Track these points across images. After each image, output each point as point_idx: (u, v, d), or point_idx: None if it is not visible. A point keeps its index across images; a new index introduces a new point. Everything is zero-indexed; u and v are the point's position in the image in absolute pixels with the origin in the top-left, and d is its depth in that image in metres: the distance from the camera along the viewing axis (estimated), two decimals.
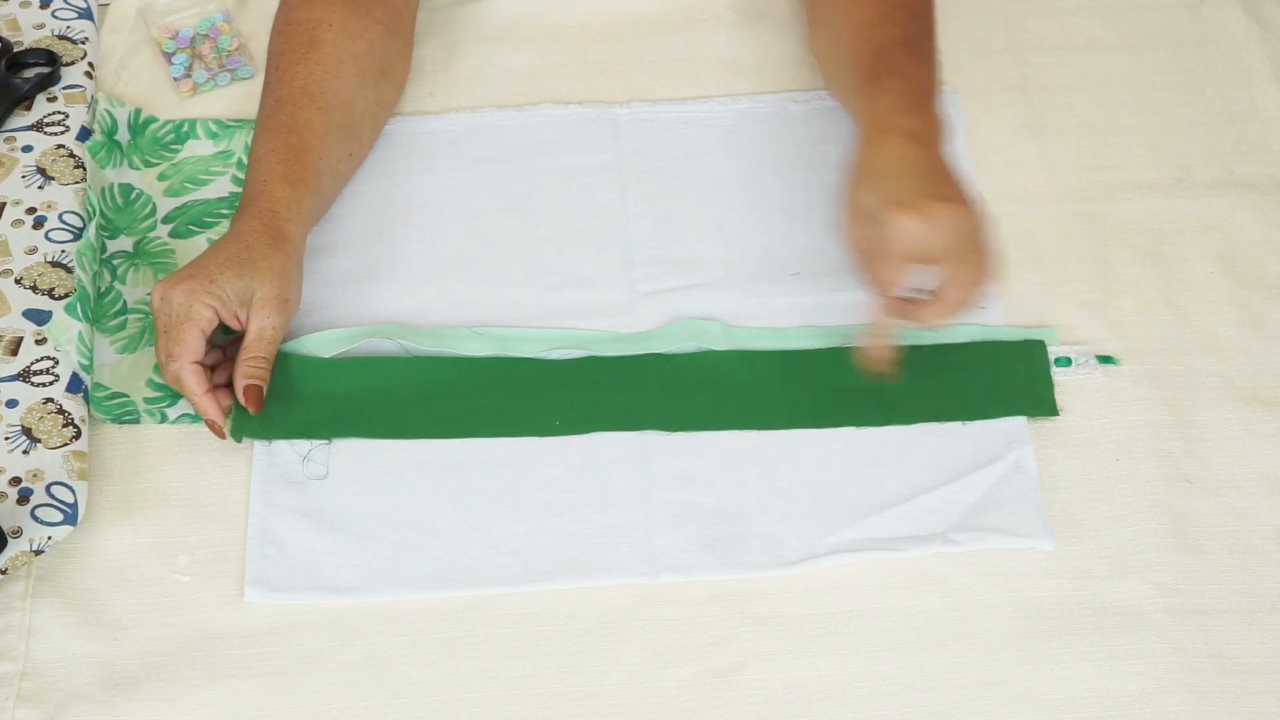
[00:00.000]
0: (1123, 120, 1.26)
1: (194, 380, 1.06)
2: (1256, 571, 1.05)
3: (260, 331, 1.07)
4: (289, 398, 1.11)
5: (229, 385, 1.08)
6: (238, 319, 1.07)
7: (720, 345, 1.13)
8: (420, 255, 1.19)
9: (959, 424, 1.10)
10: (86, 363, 1.10)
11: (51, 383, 1.10)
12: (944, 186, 1.05)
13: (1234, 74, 1.28)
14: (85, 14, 1.31)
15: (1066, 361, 1.13)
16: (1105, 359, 1.13)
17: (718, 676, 1.01)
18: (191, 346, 1.05)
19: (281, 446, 1.09)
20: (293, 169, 1.12)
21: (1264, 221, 1.20)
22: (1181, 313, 1.16)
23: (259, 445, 1.09)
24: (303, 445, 1.09)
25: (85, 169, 1.21)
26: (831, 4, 1.18)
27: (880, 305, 1.06)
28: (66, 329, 1.10)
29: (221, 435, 1.08)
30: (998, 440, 1.10)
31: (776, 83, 1.28)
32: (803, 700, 1.00)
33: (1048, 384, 1.12)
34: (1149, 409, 1.11)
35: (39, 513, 1.05)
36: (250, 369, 1.07)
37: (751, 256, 1.18)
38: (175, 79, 1.28)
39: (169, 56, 1.29)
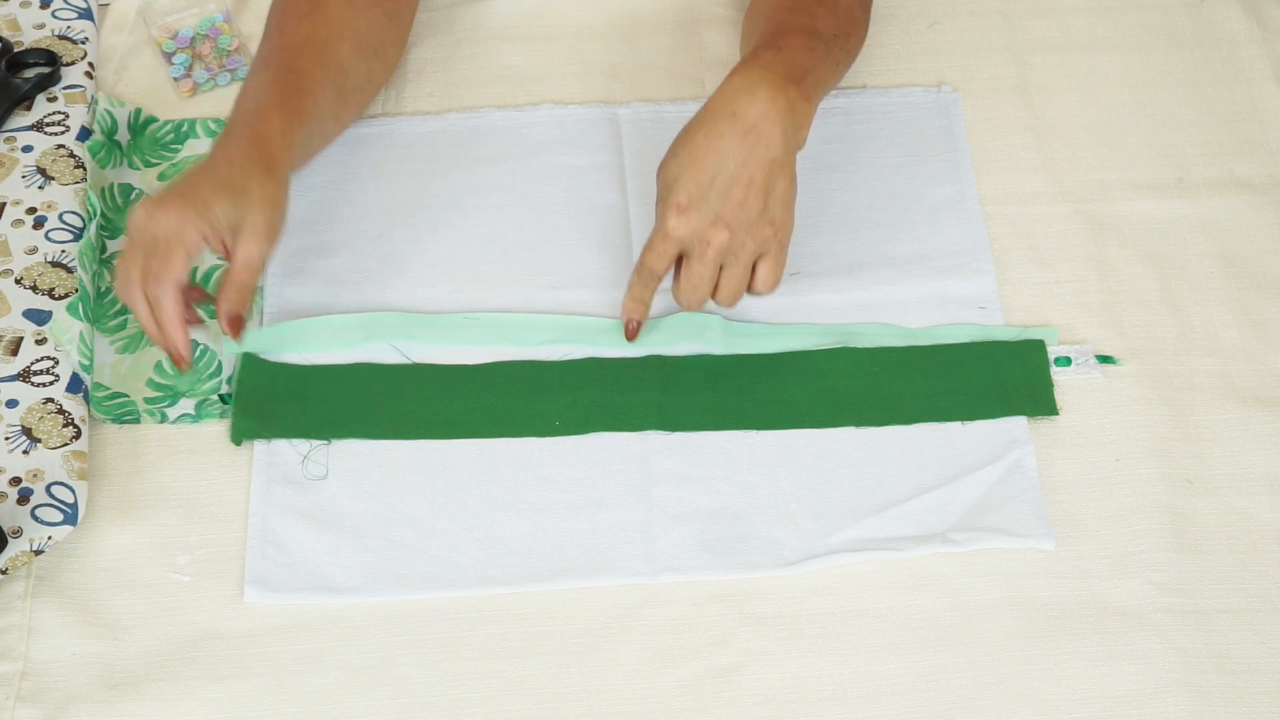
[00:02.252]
0: (1123, 120, 1.26)
1: (173, 305, 1.05)
2: (1256, 571, 1.05)
3: (248, 260, 1.06)
4: (289, 398, 1.11)
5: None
6: (224, 245, 1.06)
7: (718, 343, 1.13)
8: (420, 255, 1.19)
9: (959, 424, 1.10)
10: (87, 362, 1.10)
11: (51, 383, 1.10)
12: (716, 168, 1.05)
13: (1234, 74, 1.28)
14: (85, 14, 1.31)
15: (1066, 361, 1.13)
16: (1105, 359, 1.13)
17: (718, 676, 1.01)
18: (177, 270, 1.04)
19: (281, 446, 1.09)
20: (290, 103, 1.11)
21: (1264, 221, 1.20)
22: (1181, 313, 1.16)
23: (259, 445, 1.10)
24: (303, 445, 1.09)
25: (85, 169, 1.21)
26: None
27: (649, 266, 1.08)
28: (68, 329, 1.10)
29: (183, 366, 1.07)
30: (998, 440, 1.10)
31: None
32: (803, 700, 1.00)
33: (1047, 384, 1.12)
34: (1149, 409, 1.11)
35: (39, 513, 1.05)
36: (237, 297, 1.07)
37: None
38: (175, 79, 1.28)
39: (169, 56, 1.29)
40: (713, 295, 1.09)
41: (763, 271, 1.08)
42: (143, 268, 1.04)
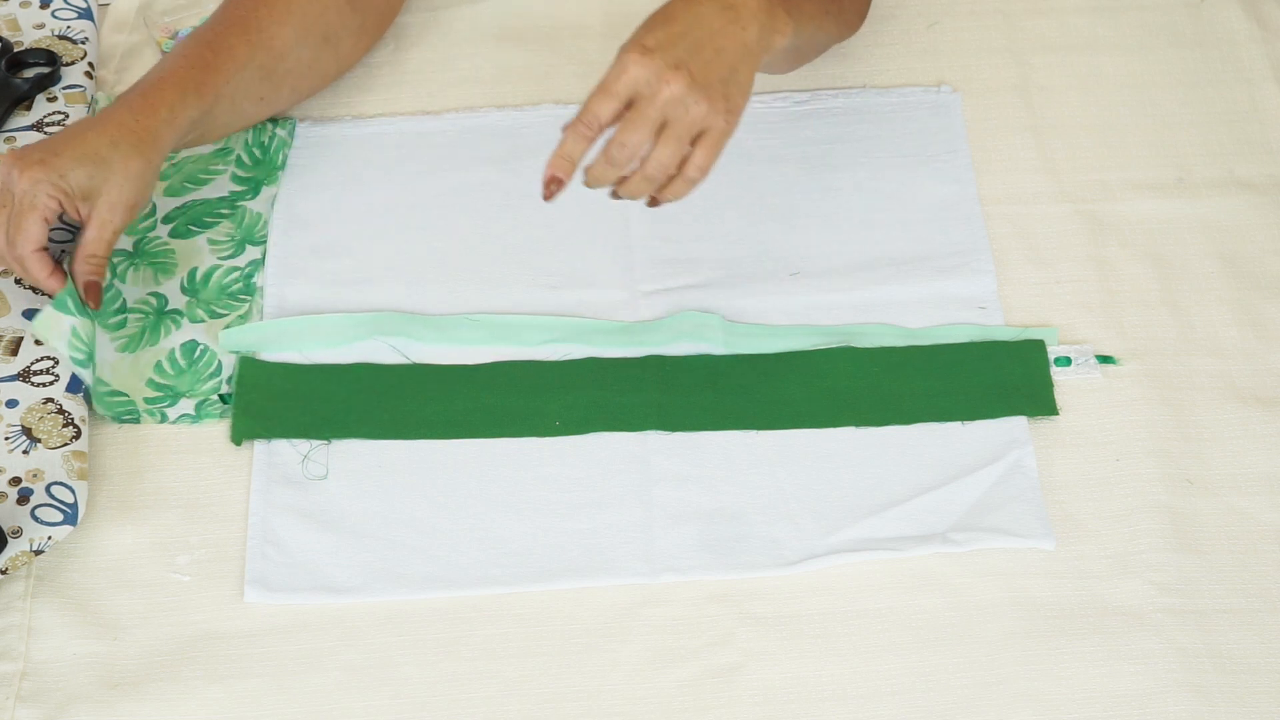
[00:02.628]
0: (1123, 120, 1.26)
1: (38, 266, 1.07)
2: (1256, 571, 1.05)
3: (100, 232, 1.08)
4: (289, 398, 1.11)
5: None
6: (79, 212, 1.08)
7: (719, 342, 1.13)
8: (420, 255, 1.19)
9: (959, 424, 1.10)
10: (82, 357, 1.10)
11: (51, 383, 1.10)
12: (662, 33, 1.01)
13: (1234, 74, 1.28)
14: (85, 14, 1.31)
15: (1066, 361, 1.13)
16: (1105, 359, 1.13)
17: (718, 676, 1.01)
18: (33, 235, 1.07)
19: (281, 446, 1.09)
20: (195, 78, 1.12)
21: (1264, 221, 1.20)
22: (1181, 313, 1.16)
23: (259, 445, 1.10)
24: (303, 445, 1.09)
25: None
26: None
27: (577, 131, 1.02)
28: (55, 324, 1.09)
29: (94, 302, 1.08)
30: (998, 440, 1.10)
31: (776, 83, 1.28)
32: (803, 700, 1.00)
33: (1047, 383, 1.11)
34: (1149, 409, 1.11)
35: (39, 513, 1.05)
36: (89, 266, 1.08)
37: (751, 256, 1.18)
38: None
39: None
40: (638, 170, 1.03)
41: (699, 154, 1.02)
42: (5, 233, 1.07)
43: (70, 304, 1.09)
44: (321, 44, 1.20)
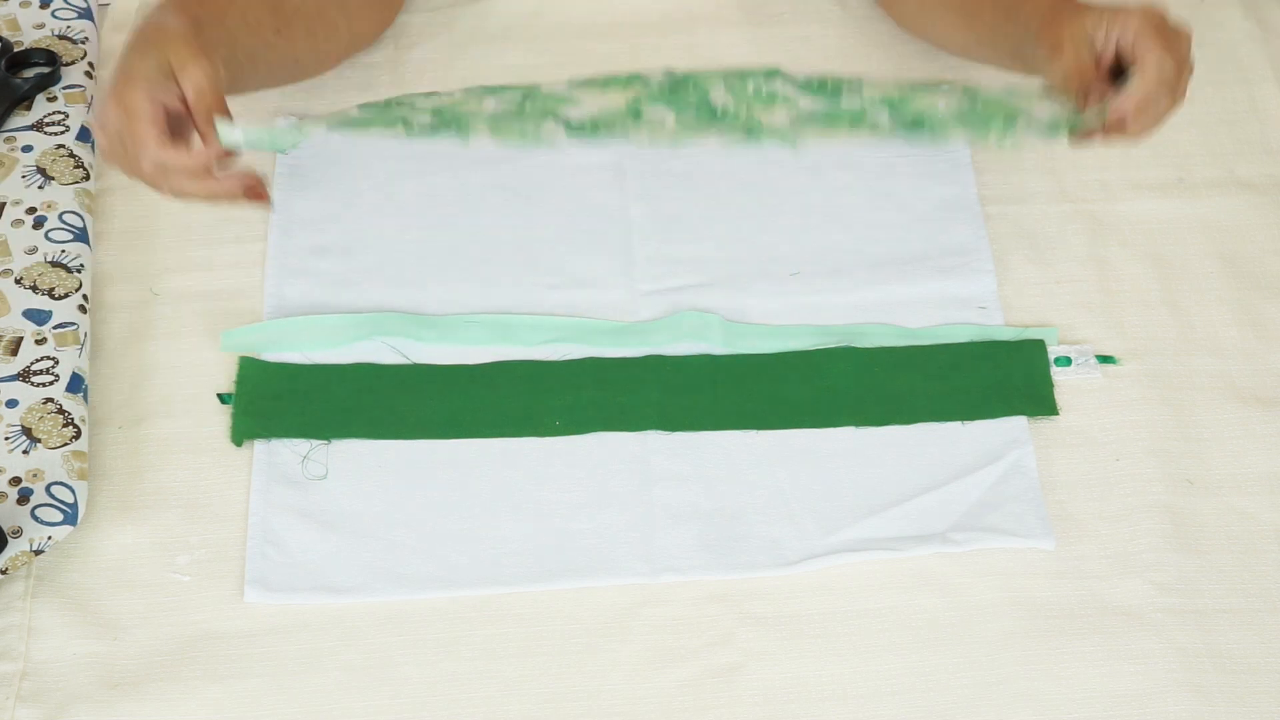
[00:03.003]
0: None
1: (175, 155, 1.02)
2: (1256, 571, 1.05)
3: (198, 88, 1.03)
4: (289, 398, 1.11)
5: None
6: (180, 101, 1.03)
7: (718, 342, 1.13)
8: (420, 255, 1.19)
9: (959, 424, 1.10)
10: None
11: (51, 383, 1.10)
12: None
13: (1234, 74, 1.28)
14: (85, 14, 1.31)
15: (1066, 361, 1.13)
16: (1105, 359, 1.13)
17: (718, 676, 1.01)
18: (150, 135, 1.01)
19: (281, 446, 1.09)
20: None
21: (1264, 221, 1.20)
22: (1181, 313, 1.16)
23: (259, 445, 1.10)
24: (303, 445, 1.09)
25: (85, 169, 1.21)
26: None
27: (1153, 69, 1.05)
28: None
29: (265, 200, 1.06)
30: (998, 440, 1.10)
31: None
32: (803, 700, 1.00)
33: (1047, 384, 1.12)
34: (1149, 409, 1.11)
35: (39, 513, 1.05)
36: (207, 124, 1.03)
37: (751, 256, 1.18)
38: None
39: None
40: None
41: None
42: (130, 155, 1.03)
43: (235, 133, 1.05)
44: None
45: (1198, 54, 1.28)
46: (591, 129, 1.10)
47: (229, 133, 1.04)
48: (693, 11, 1.32)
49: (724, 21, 1.32)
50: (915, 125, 1.10)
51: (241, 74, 1.10)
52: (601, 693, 1.01)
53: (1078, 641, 1.02)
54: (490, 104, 1.11)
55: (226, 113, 1.04)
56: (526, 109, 1.11)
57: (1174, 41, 1.05)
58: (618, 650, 1.02)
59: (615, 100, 1.11)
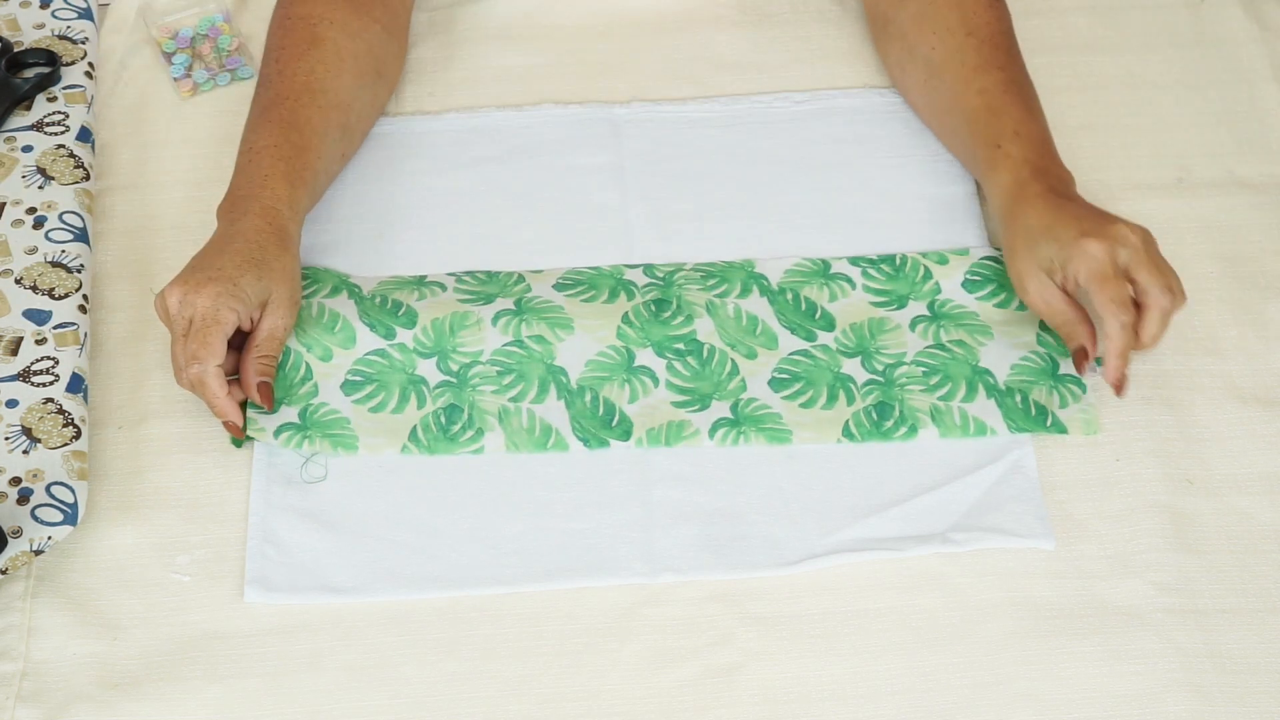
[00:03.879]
0: (1123, 120, 1.26)
1: (217, 384, 1.06)
2: (1256, 571, 1.05)
3: (273, 331, 1.08)
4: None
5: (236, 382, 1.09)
6: (251, 320, 1.08)
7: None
8: (420, 255, 1.19)
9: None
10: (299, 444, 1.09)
11: (51, 383, 1.10)
12: (1106, 216, 1.08)
13: (1234, 74, 1.28)
14: (85, 14, 1.31)
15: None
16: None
17: (718, 676, 1.01)
18: (217, 350, 1.05)
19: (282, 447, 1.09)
20: (294, 167, 1.12)
21: (1264, 221, 1.20)
22: (1182, 313, 1.16)
23: (259, 446, 1.09)
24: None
25: (85, 169, 1.21)
26: (924, 38, 1.20)
27: (1117, 332, 1.05)
28: (263, 434, 1.09)
29: (240, 435, 1.08)
30: (998, 440, 1.09)
31: (776, 83, 1.28)
32: (803, 700, 1.00)
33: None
34: (1149, 409, 1.11)
35: (39, 513, 1.05)
36: (263, 366, 1.07)
37: (751, 257, 1.18)
38: (175, 79, 1.28)
39: (169, 56, 1.29)
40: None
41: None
42: (186, 352, 1.05)
43: (256, 419, 1.09)
44: (376, 81, 1.20)
45: (1197, 54, 1.29)
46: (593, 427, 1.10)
47: (260, 428, 1.08)
48: (692, 11, 1.32)
49: (724, 21, 1.31)
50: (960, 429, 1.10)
51: (314, 203, 1.16)
52: (601, 693, 1.01)
53: (1078, 641, 1.02)
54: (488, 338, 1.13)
55: (275, 363, 1.09)
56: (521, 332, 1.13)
57: (1135, 272, 1.06)
58: (618, 650, 1.02)
59: (604, 324, 1.13)
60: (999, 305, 1.15)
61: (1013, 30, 1.20)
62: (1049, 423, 1.09)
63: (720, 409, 1.10)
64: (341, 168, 1.20)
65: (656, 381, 1.11)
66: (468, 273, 1.16)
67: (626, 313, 1.14)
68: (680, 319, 1.13)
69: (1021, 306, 1.14)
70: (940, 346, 1.13)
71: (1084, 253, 1.05)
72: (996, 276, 1.15)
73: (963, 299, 1.15)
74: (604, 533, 1.06)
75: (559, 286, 1.15)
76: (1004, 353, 1.12)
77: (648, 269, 1.16)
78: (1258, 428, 1.10)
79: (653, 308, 1.14)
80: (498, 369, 1.11)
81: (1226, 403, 1.12)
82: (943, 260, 1.16)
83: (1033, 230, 1.08)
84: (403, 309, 1.13)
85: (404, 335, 1.12)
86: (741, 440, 1.09)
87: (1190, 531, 1.06)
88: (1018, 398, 1.10)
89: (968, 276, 1.15)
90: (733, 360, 1.12)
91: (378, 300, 1.14)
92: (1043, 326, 1.13)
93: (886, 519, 1.06)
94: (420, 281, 1.15)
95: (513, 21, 1.32)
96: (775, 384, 1.11)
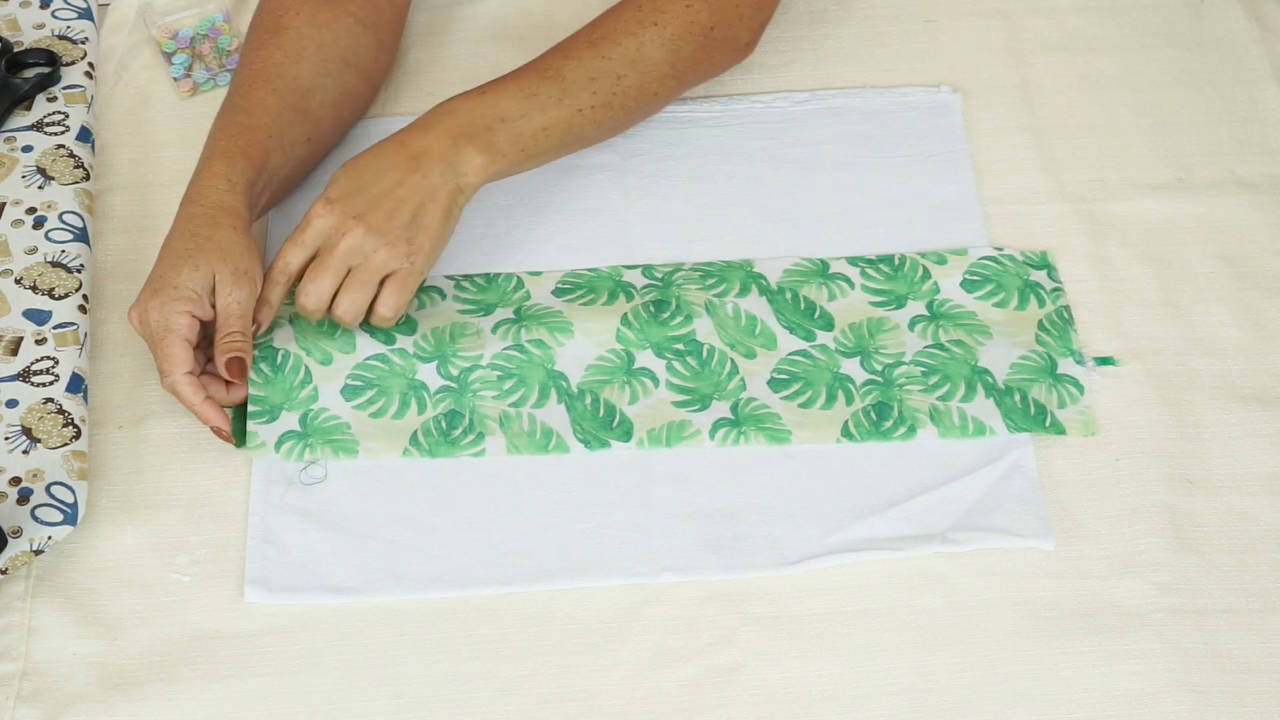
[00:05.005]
0: (1123, 120, 1.26)
1: (190, 391, 1.06)
2: (1256, 571, 1.05)
3: (228, 308, 1.07)
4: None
5: (216, 376, 1.08)
6: (210, 308, 1.07)
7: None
8: None
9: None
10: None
11: (51, 383, 1.10)
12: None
13: (1234, 74, 1.28)
14: (85, 14, 1.31)
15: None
16: (1104, 360, 1.13)
17: (718, 676, 1.01)
18: (179, 359, 1.05)
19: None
20: (236, 144, 1.12)
21: (1264, 221, 1.20)
22: (1181, 313, 1.16)
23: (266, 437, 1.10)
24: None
25: (85, 169, 1.21)
26: None
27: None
28: (256, 440, 1.09)
29: (229, 440, 1.08)
30: (998, 440, 1.09)
31: (776, 83, 1.28)
32: (803, 700, 1.00)
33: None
34: (1149, 409, 1.11)
35: (39, 513, 1.05)
36: (227, 344, 1.07)
37: (751, 256, 1.18)
38: (175, 79, 1.28)
39: (169, 56, 1.29)
40: (331, 308, 1.09)
41: (387, 292, 1.09)
42: (157, 364, 1.06)
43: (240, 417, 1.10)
44: (344, 70, 1.19)
45: (1198, 54, 1.29)
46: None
47: (261, 442, 1.09)
48: None
49: None
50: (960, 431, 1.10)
51: (282, 194, 1.17)
52: (601, 693, 1.01)
53: (1078, 641, 1.02)
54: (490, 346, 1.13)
55: (245, 339, 1.08)
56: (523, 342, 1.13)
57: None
58: (618, 650, 1.02)
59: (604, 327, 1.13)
60: (998, 305, 1.15)
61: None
62: (1048, 423, 1.09)
63: (720, 409, 1.10)
64: (312, 152, 1.18)
65: (657, 382, 1.11)
66: (466, 277, 1.16)
67: (625, 314, 1.14)
68: (679, 319, 1.13)
69: (1021, 306, 1.14)
70: (939, 346, 1.13)
71: (311, 209, 1.09)
72: (995, 276, 1.15)
73: (961, 298, 1.15)
74: (604, 533, 1.06)
75: (558, 292, 1.15)
76: (1003, 352, 1.12)
77: (646, 270, 1.16)
78: (1258, 428, 1.11)
79: (652, 309, 1.14)
80: (498, 374, 1.11)
81: (1226, 403, 1.12)
82: (941, 260, 1.16)
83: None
84: (403, 317, 1.13)
85: (404, 341, 1.12)
86: (742, 440, 1.09)
87: (1190, 531, 1.06)
88: (1016, 397, 1.10)
89: (966, 276, 1.16)
90: (732, 360, 1.12)
91: None
92: (1041, 326, 1.13)
93: (886, 519, 1.06)
94: (419, 287, 1.15)
95: (512, 21, 1.32)
96: (774, 384, 1.11)
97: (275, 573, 1.05)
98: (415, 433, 1.09)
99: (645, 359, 1.12)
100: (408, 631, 1.03)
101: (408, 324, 1.13)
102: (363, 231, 1.07)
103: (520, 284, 1.16)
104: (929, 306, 1.15)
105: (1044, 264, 1.17)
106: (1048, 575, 1.05)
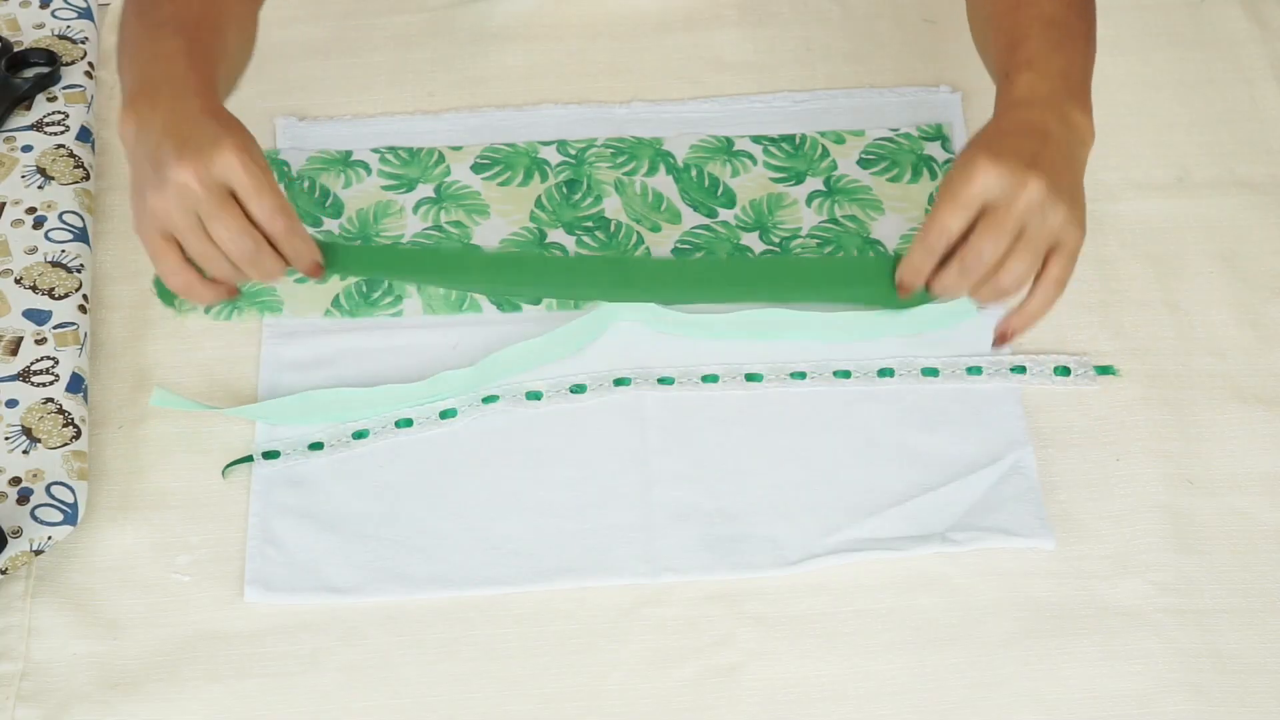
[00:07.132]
0: (1123, 120, 1.26)
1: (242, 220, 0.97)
2: (1256, 571, 1.05)
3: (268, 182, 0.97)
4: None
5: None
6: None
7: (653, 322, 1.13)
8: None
9: (958, 422, 1.10)
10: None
11: (51, 383, 1.10)
12: (1048, 164, 0.95)
13: (1234, 74, 1.28)
14: (85, 14, 1.31)
15: (1065, 371, 1.13)
16: (1104, 369, 1.13)
17: (718, 676, 1.01)
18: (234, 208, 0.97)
19: (282, 440, 1.09)
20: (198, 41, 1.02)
21: (1264, 221, 1.20)
22: (1181, 313, 1.16)
23: (259, 446, 1.09)
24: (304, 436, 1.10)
25: (85, 169, 1.21)
26: None
27: (926, 248, 0.98)
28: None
29: (320, 273, 1.02)
30: (997, 440, 1.10)
31: (776, 83, 1.28)
32: (803, 700, 1.00)
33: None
34: (1149, 409, 1.11)
35: (39, 513, 1.05)
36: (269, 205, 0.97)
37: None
38: None
39: None
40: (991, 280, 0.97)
41: (1056, 267, 0.96)
42: (272, 226, 0.98)
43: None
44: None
45: (1198, 54, 1.29)
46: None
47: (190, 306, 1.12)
48: (692, 11, 1.32)
49: (724, 21, 1.32)
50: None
51: (234, 63, 1.07)
52: (601, 693, 1.01)
53: (1078, 641, 1.02)
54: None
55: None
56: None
57: (982, 224, 0.95)
58: (618, 650, 1.02)
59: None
60: (891, 180, 1.20)
61: None
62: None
63: None
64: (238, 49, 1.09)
65: (567, 255, 1.17)
66: (390, 149, 1.22)
67: (539, 196, 1.19)
68: (589, 200, 1.19)
69: (914, 180, 1.20)
70: (834, 221, 1.18)
71: (967, 160, 0.95)
72: (891, 154, 1.21)
73: (857, 174, 1.20)
74: (604, 533, 1.06)
75: (476, 167, 1.21)
76: (894, 226, 1.17)
77: (561, 145, 1.22)
78: (1258, 428, 1.11)
79: (564, 189, 1.20)
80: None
81: (1226, 403, 1.12)
82: (840, 140, 1.22)
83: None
84: (330, 198, 1.19)
85: (330, 224, 1.18)
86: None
87: (1190, 531, 1.06)
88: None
89: (863, 155, 1.21)
90: (638, 233, 1.17)
91: (305, 185, 1.19)
92: (931, 199, 1.17)
93: (886, 519, 1.06)
94: (346, 161, 1.21)
95: (512, 21, 1.32)
96: (677, 253, 1.17)
97: (275, 573, 1.05)
98: (337, 295, 1.14)
99: (557, 235, 1.17)
100: (408, 631, 1.03)
101: (334, 207, 1.18)
102: (1043, 186, 0.94)
103: (441, 158, 1.21)
104: (826, 183, 1.20)
105: (938, 135, 1.22)
106: (1048, 575, 1.05)
